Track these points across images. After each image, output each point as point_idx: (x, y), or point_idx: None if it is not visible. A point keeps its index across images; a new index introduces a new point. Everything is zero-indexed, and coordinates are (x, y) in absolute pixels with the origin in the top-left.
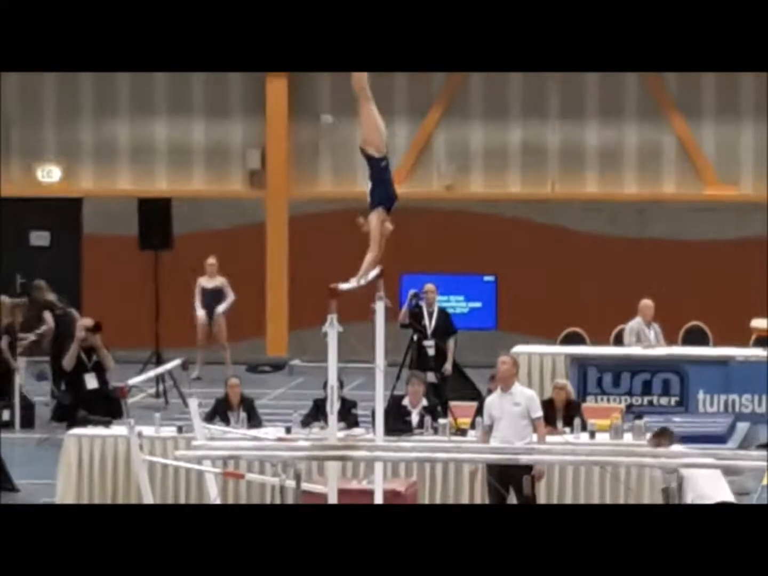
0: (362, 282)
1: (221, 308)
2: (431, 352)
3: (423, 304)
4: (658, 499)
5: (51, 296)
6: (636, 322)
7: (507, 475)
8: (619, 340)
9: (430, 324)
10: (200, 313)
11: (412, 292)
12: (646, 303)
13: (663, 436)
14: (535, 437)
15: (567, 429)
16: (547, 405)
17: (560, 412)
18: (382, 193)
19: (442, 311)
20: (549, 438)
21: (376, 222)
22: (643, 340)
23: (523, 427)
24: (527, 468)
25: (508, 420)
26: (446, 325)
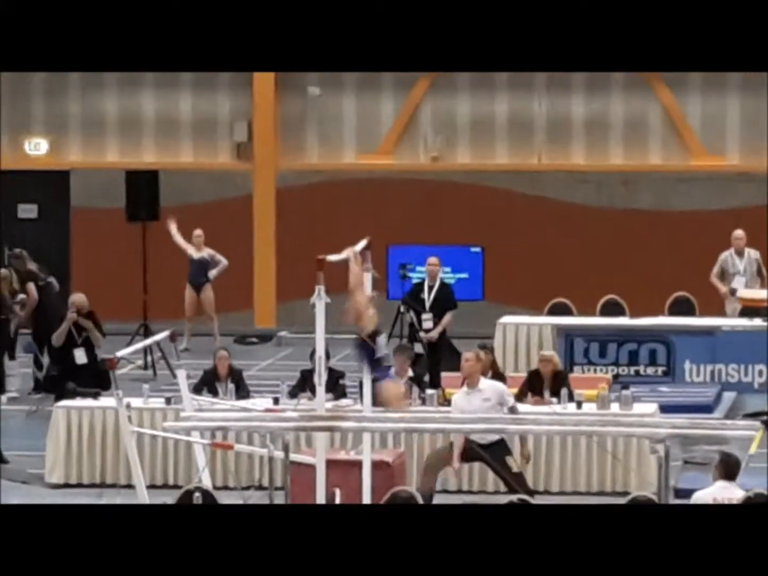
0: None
1: (214, 272)
2: (428, 325)
3: (412, 276)
4: (646, 469)
5: (32, 266)
6: (727, 253)
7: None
8: (604, 311)
9: (429, 298)
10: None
11: (401, 264)
12: (736, 233)
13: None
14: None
15: (554, 399)
16: (534, 376)
17: (547, 383)
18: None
19: (444, 285)
20: (536, 408)
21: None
22: (729, 270)
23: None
24: (506, 449)
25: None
26: (447, 299)
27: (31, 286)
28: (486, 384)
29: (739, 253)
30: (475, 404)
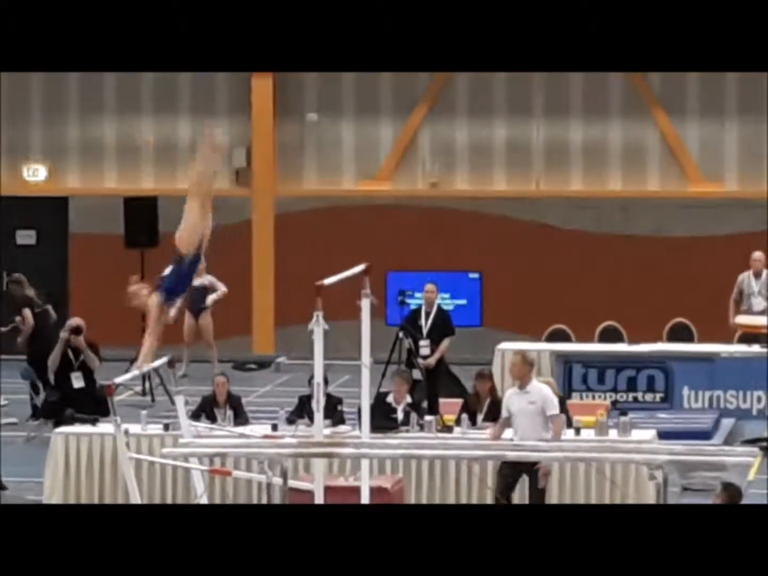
0: (144, 368)
1: (212, 298)
2: (425, 351)
3: (409, 302)
4: (644, 495)
5: (30, 292)
6: (745, 274)
7: (520, 468)
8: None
9: (426, 324)
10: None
11: (400, 291)
12: (755, 255)
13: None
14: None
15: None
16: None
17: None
18: (173, 283)
19: (442, 311)
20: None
21: (156, 306)
22: (746, 291)
23: (540, 425)
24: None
25: (525, 418)
26: (444, 325)
27: (28, 312)
28: (535, 387)
29: (757, 275)
30: (521, 405)
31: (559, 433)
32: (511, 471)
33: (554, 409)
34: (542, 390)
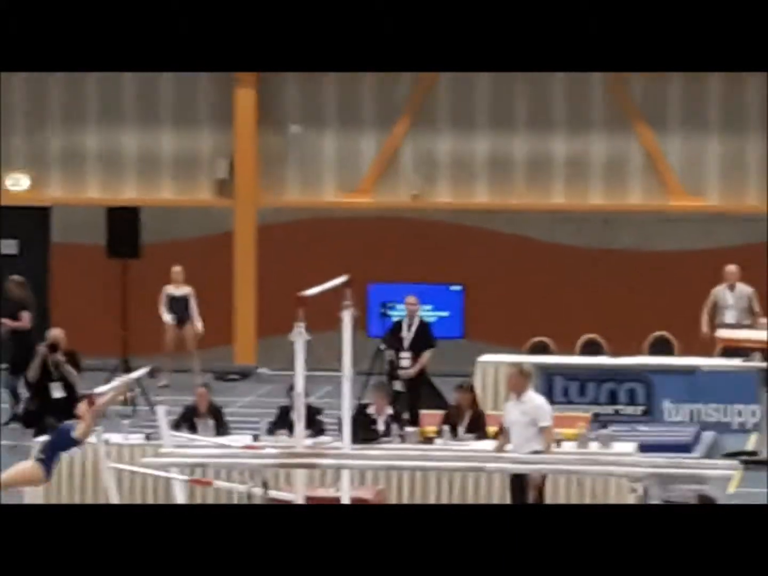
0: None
1: (197, 318)
2: (405, 363)
3: (393, 314)
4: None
5: (29, 296)
6: (720, 287)
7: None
8: (583, 351)
9: (408, 336)
10: (167, 318)
11: (382, 303)
12: (729, 269)
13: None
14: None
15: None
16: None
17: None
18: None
19: (423, 323)
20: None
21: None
22: (720, 304)
23: (532, 436)
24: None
25: (517, 428)
26: (426, 337)
27: (26, 315)
28: (530, 398)
29: (731, 288)
30: (514, 415)
31: (549, 445)
32: (520, 486)
33: (546, 420)
34: (535, 401)
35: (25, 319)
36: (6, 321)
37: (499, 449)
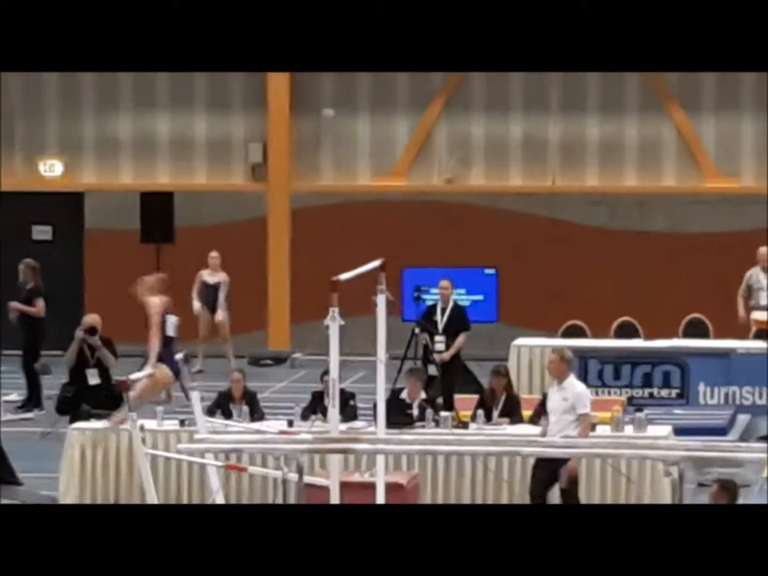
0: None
1: (222, 306)
2: (440, 347)
3: (426, 298)
4: (659, 491)
5: (40, 282)
6: (753, 270)
7: (554, 468)
8: (618, 334)
9: (441, 320)
10: (197, 305)
11: (416, 287)
12: (761, 250)
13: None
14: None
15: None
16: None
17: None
18: None
19: (457, 307)
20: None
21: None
22: (754, 286)
23: (568, 423)
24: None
25: (556, 415)
26: (460, 321)
27: (41, 302)
28: (570, 384)
29: (765, 269)
30: (555, 401)
31: (584, 432)
32: (545, 473)
33: (584, 408)
34: (576, 387)
35: (40, 306)
36: (18, 305)
37: (543, 434)
